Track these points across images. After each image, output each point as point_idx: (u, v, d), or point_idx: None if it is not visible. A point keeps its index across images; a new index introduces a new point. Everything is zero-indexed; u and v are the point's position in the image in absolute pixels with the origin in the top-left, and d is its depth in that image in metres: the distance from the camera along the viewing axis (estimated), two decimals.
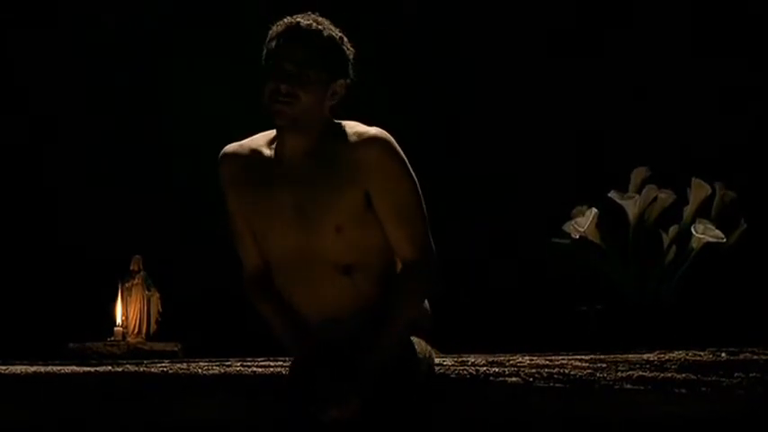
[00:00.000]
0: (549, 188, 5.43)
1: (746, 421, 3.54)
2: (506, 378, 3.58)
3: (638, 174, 4.80)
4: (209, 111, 5.74)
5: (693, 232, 4.58)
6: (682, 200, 4.75)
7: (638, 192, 4.73)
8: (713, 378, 3.57)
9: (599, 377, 3.58)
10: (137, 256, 5.35)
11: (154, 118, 5.76)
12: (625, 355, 3.66)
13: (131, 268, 5.35)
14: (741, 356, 3.61)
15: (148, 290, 5.30)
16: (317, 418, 2.93)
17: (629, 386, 3.56)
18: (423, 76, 5.51)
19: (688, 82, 5.49)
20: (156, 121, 5.76)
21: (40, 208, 5.80)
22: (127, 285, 5.31)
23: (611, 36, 5.55)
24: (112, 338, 5.20)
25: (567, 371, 3.59)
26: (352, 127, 3.03)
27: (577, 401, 3.56)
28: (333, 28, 3.02)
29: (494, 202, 5.48)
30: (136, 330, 5.25)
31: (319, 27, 2.99)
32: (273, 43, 2.99)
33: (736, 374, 3.56)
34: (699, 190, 4.72)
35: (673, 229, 4.68)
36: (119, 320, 5.25)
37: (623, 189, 4.76)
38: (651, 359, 3.63)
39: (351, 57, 3.04)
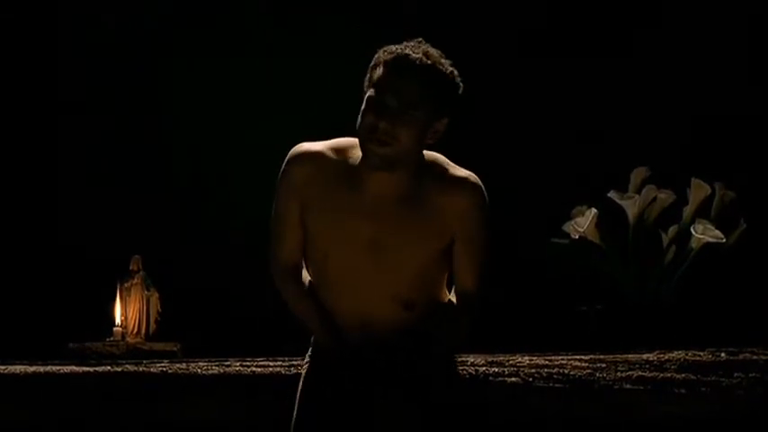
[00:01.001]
0: (549, 188, 5.42)
1: (746, 421, 3.54)
2: (506, 378, 3.58)
3: (638, 174, 4.80)
4: (209, 111, 5.73)
5: (693, 232, 4.58)
6: (681, 200, 4.75)
7: (638, 192, 4.73)
8: (713, 378, 3.56)
9: (598, 377, 3.58)
10: (136, 255, 5.35)
11: (154, 118, 5.75)
12: (625, 356, 3.66)
13: (131, 268, 5.34)
14: (740, 357, 3.61)
15: (148, 290, 5.30)
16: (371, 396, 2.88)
17: (628, 386, 3.56)
18: None
19: (687, 82, 5.48)
20: (155, 121, 5.75)
21: (40, 208, 5.79)
22: (126, 285, 5.31)
23: (612, 36, 5.55)
24: (112, 338, 5.19)
25: (566, 371, 3.59)
26: (444, 167, 2.90)
27: (577, 401, 3.56)
28: (443, 62, 2.83)
29: (493, 201, 5.47)
30: (135, 330, 5.25)
31: (429, 62, 2.78)
32: (378, 71, 2.77)
33: (735, 375, 3.56)
34: (698, 190, 4.72)
35: (672, 230, 4.68)
36: (118, 320, 5.25)
37: (623, 189, 4.76)
38: (651, 359, 3.63)
39: (460, 92, 2.86)
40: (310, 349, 3.09)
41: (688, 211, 4.72)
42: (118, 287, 5.30)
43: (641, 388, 3.55)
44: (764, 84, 5.41)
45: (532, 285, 5.39)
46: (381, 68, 2.77)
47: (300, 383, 3.05)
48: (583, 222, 4.65)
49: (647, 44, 5.54)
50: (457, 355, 3.14)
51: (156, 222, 5.70)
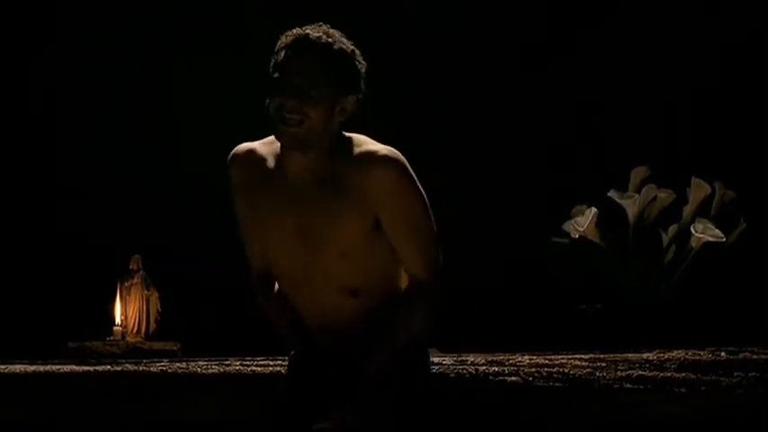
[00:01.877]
0: (549, 187, 5.43)
1: (746, 421, 3.54)
2: (506, 377, 3.58)
3: (638, 173, 4.80)
4: (209, 111, 5.74)
5: (693, 232, 4.58)
6: (681, 199, 4.75)
7: (638, 191, 4.73)
8: (713, 377, 3.57)
9: (598, 376, 3.58)
10: (136, 255, 5.35)
11: (154, 119, 5.76)
12: (625, 355, 3.67)
13: (131, 267, 5.35)
14: (740, 356, 3.61)
15: (147, 289, 5.31)
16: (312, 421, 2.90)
17: (628, 385, 3.56)
18: (423, 76, 5.51)
19: (687, 83, 5.49)
20: (156, 123, 5.76)
21: (41, 208, 5.80)
22: (126, 285, 5.31)
23: (611, 36, 5.55)
24: (112, 338, 5.20)
25: (566, 370, 3.59)
26: (362, 145, 2.87)
27: (577, 401, 3.56)
28: (344, 41, 2.82)
29: (493, 201, 5.48)
30: (135, 329, 5.25)
31: (329, 40, 2.80)
32: (281, 55, 2.80)
33: (735, 374, 3.56)
34: (698, 189, 4.72)
35: (672, 229, 4.68)
36: (118, 320, 5.25)
37: (623, 188, 4.77)
38: (651, 358, 3.63)
39: (363, 71, 2.84)
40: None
41: (688, 210, 4.72)
42: (118, 287, 5.31)
43: (641, 387, 3.56)
44: (763, 83, 5.41)
45: (532, 284, 5.40)
46: (283, 51, 2.81)
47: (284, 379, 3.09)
48: (583, 222, 4.65)
49: (647, 44, 5.55)
50: (424, 347, 3.09)
51: (156, 222, 5.71)
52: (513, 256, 5.38)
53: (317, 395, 2.92)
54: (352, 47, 2.84)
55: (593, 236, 4.67)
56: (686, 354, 3.64)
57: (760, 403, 3.52)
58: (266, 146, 2.94)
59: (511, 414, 3.57)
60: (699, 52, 5.49)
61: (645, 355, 3.65)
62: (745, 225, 4.73)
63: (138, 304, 5.28)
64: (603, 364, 3.62)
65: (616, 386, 3.57)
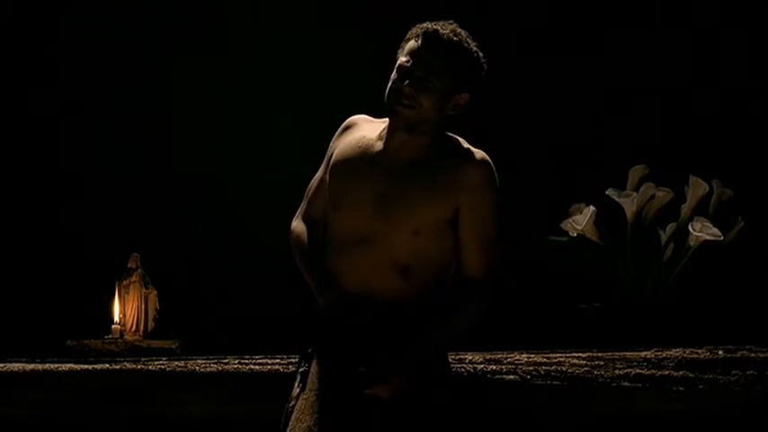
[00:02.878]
0: (548, 186, 5.43)
1: (744, 418, 3.54)
2: (504, 376, 3.58)
3: (636, 172, 4.80)
4: (210, 110, 5.74)
5: (691, 230, 4.58)
6: (679, 198, 4.75)
7: (636, 190, 4.73)
8: (710, 376, 3.57)
9: (596, 375, 3.58)
10: (134, 253, 5.35)
11: (153, 117, 5.76)
12: (623, 353, 3.67)
13: (129, 266, 5.35)
14: (738, 354, 3.61)
15: (146, 287, 5.31)
16: (359, 388, 2.91)
17: (626, 384, 3.56)
18: None
19: (686, 81, 5.49)
20: (155, 121, 5.76)
21: (39, 206, 5.80)
22: (124, 283, 5.31)
23: (610, 35, 5.55)
24: (110, 336, 5.20)
25: (564, 368, 3.59)
26: (460, 143, 3.05)
27: (575, 399, 3.56)
28: (470, 41, 3.01)
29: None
30: (134, 328, 5.25)
31: (456, 39, 2.98)
32: (409, 44, 2.98)
33: (733, 372, 3.57)
34: (696, 188, 4.73)
35: (670, 227, 4.68)
36: (116, 318, 5.25)
37: (621, 187, 4.77)
38: (648, 357, 3.63)
39: (482, 73, 3.04)
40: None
41: (686, 208, 4.72)
42: (116, 285, 5.31)
43: (639, 385, 3.56)
44: (762, 82, 5.41)
45: (531, 283, 5.40)
46: (412, 41, 2.97)
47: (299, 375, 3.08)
48: (581, 220, 4.66)
49: (646, 42, 5.55)
50: (452, 347, 3.12)
51: (154, 220, 5.71)
52: (510, 255, 5.38)
53: (351, 346, 2.93)
54: (476, 48, 3.02)
55: (592, 234, 4.67)
56: (684, 352, 3.64)
57: (758, 401, 3.52)
58: (374, 120, 3.12)
59: (509, 411, 3.57)
60: (697, 50, 5.49)
61: (643, 354, 3.65)
62: (742, 223, 4.74)
63: (136, 302, 5.28)
64: (602, 363, 3.62)
65: (614, 384, 3.57)
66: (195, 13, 5.76)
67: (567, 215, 4.74)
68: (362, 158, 3.03)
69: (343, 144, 3.09)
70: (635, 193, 4.71)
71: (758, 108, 5.38)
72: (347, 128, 3.12)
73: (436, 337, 2.98)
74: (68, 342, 5.01)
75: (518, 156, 5.54)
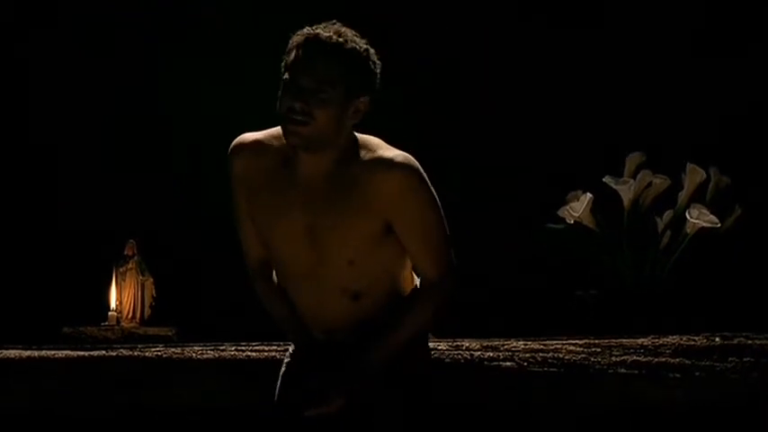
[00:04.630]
0: (544, 173, 5.42)
1: (741, 406, 3.54)
2: (501, 363, 3.58)
3: (633, 159, 4.80)
4: (207, 95, 5.73)
5: (688, 217, 4.58)
6: (676, 185, 4.75)
7: (633, 177, 4.73)
8: (707, 363, 3.57)
9: (593, 361, 3.58)
10: (131, 240, 5.35)
11: (150, 102, 5.75)
12: (619, 340, 3.67)
13: (126, 253, 5.34)
14: (735, 341, 3.61)
15: (142, 275, 5.30)
16: (303, 410, 2.90)
17: (623, 371, 3.56)
18: (419, 60, 5.49)
19: (684, 66, 5.48)
20: (152, 106, 5.75)
21: (36, 193, 5.79)
22: (121, 270, 5.31)
23: (607, 19, 5.54)
24: (107, 323, 5.20)
25: (561, 355, 3.59)
26: (375, 150, 2.83)
27: (572, 386, 3.56)
28: (357, 40, 2.80)
29: (488, 186, 5.48)
30: (130, 315, 5.25)
31: (341, 39, 2.77)
32: (291, 55, 2.79)
33: (730, 359, 3.57)
34: (693, 175, 4.72)
35: (667, 215, 4.68)
36: (113, 305, 5.25)
37: (618, 174, 4.76)
38: (645, 344, 3.63)
39: (377, 71, 2.82)
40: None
41: (683, 196, 4.72)
42: (113, 272, 5.31)
43: (636, 372, 3.56)
44: (759, 69, 5.41)
45: (527, 270, 5.40)
46: (294, 51, 2.78)
47: (281, 373, 3.08)
48: (578, 207, 4.65)
49: (643, 28, 5.54)
50: (424, 344, 3.11)
51: (151, 207, 5.70)
52: (507, 242, 5.38)
53: (313, 385, 2.92)
54: (365, 46, 2.80)
55: (589, 221, 4.67)
56: (681, 339, 3.64)
57: (754, 388, 3.52)
58: (274, 139, 2.89)
59: (505, 399, 3.57)
60: (693, 37, 5.48)
61: (640, 341, 3.65)
62: (740, 211, 4.74)
63: (132, 290, 5.28)
64: (598, 350, 3.62)
65: (611, 371, 3.57)
66: (195, 12, 5.75)
67: (564, 202, 4.74)
68: (277, 191, 2.84)
69: (248, 180, 2.88)
70: (632, 181, 4.70)
71: (757, 93, 5.38)
72: (241, 155, 2.89)
73: (384, 347, 2.90)
74: (65, 329, 5.01)
75: (514, 142, 5.54)
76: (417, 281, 3.01)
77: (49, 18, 5.77)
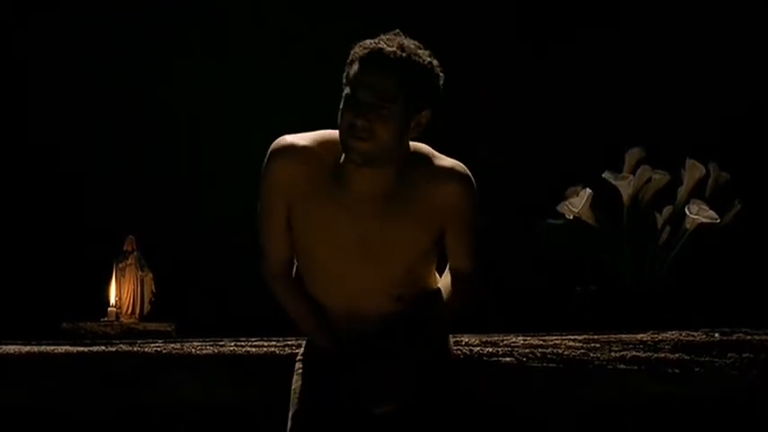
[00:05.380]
0: (543, 168, 5.42)
1: (740, 401, 3.54)
2: (500, 358, 3.58)
3: (633, 155, 4.80)
4: (208, 91, 5.72)
5: (687, 213, 4.58)
6: (676, 180, 4.75)
7: (633, 172, 4.73)
8: (706, 358, 3.57)
9: (592, 357, 3.58)
10: (130, 236, 5.35)
11: (151, 98, 5.75)
12: (618, 335, 3.67)
13: (125, 248, 5.34)
14: (734, 337, 3.61)
15: (142, 270, 5.30)
16: (366, 409, 2.84)
17: (622, 366, 3.56)
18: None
19: (683, 62, 5.48)
20: (152, 101, 5.74)
21: (35, 189, 5.79)
22: (120, 266, 5.31)
23: (607, 17, 5.54)
24: (106, 318, 5.20)
25: (560, 351, 3.59)
26: (430, 160, 2.81)
27: (571, 381, 3.56)
28: (420, 53, 2.73)
29: (487, 182, 5.47)
30: (129, 310, 5.25)
31: (404, 54, 2.69)
32: (353, 68, 2.70)
33: (729, 355, 3.57)
34: (693, 171, 4.73)
35: (667, 210, 4.68)
36: (112, 300, 5.25)
37: (618, 170, 4.77)
38: (644, 339, 3.63)
39: (440, 84, 2.77)
40: (303, 348, 3.09)
41: (682, 191, 4.72)
42: (113, 267, 5.31)
43: (635, 368, 3.56)
44: (759, 64, 5.41)
45: (527, 266, 5.40)
46: (356, 65, 2.70)
47: (295, 381, 3.04)
48: (577, 203, 4.65)
49: (642, 23, 5.54)
50: (450, 338, 3.14)
51: (150, 203, 5.70)
52: (506, 237, 5.38)
53: (373, 395, 2.85)
54: (429, 59, 2.74)
55: (588, 217, 4.67)
56: (680, 334, 3.64)
57: (753, 384, 3.52)
58: (320, 146, 2.80)
59: (505, 394, 3.57)
60: (693, 32, 5.48)
61: (639, 336, 3.65)
62: (739, 206, 4.74)
63: (132, 285, 5.28)
64: (598, 345, 3.62)
65: (610, 367, 3.57)
66: (196, 11, 5.75)
67: (564, 198, 4.74)
68: (325, 203, 2.77)
69: (292, 187, 2.79)
70: (632, 176, 4.70)
71: (757, 90, 5.38)
72: (290, 157, 2.78)
73: (431, 339, 2.91)
74: (64, 324, 5.00)
75: (514, 137, 5.54)
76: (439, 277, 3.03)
77: (49, 17, 5.77)
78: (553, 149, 5.49)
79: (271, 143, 2.87)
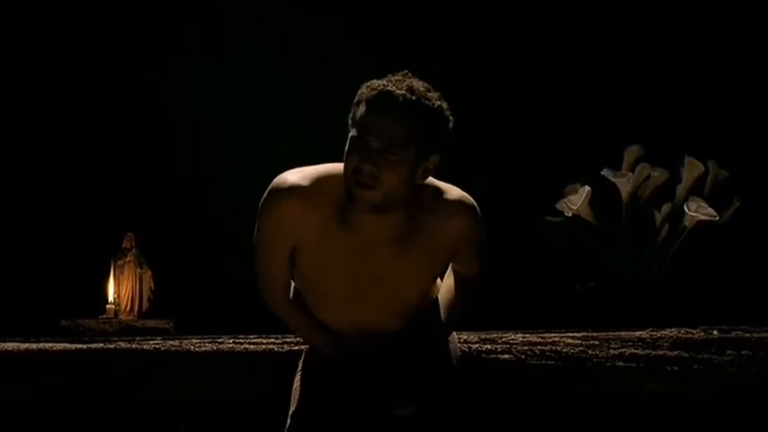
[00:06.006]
0: (542, 166, 5.42)
1: (738, 399, 3.55)
2: (499, 355, 3.58)
3: (632, 152, 4.80)
4: (207, 89, 5.72)
5: (686, 210, 4.58)
6: (675, 178, 4.75)
7: (632, 170, 4.73)
8: (705, 356, 3.57)
9: (591, 354, 3.59)
10: (129, 233, 5.34)
11: (150, 95, 5.74)
12: (617, 333, 3.67)
13: (124, 246, 5.34)
14: (733, 334, 3.61)
15: (140, 267, 5.30)
16: (386, 411, 2.82)
17: (621, 363, 3.57)
18: (418, 50, 5.48)
19: (682, 60, 5.48)
20: (151, 99, 5.74)
21: (34, 186, 5.79)
22: (119, 263, 5.30)
23: (606, 15, 5.54)
24: (105, 316, 5.20)
25: (559, 348, 3.59)
26: (436, 194, 2.76)
27: (570, 379, 3.56)
28: (430, 95, 2.64)
29: (486, 179, 5.47)
30: (128, 308, 5.25)
31: (413, 98, 2.59)
32: (360, 110, 2.61)
33: (728, 352, 3.57)
34: (692, 168, 4.72)
35: (666, 207, 4.68)
36: (111, 298, 5.25)
37: (616, 167, 4.76)
38: (643, 337, 3.63)
39: (449, 127, 2.69)
40: (303, 357, 3.09)
41: (681, 189, 4.72)
42: (111, 265, 5.30)
43: (634, 365, 3.56)
44: (758, 62, 5.41)
45: (526, 263, 5.40)
46: (364, 106, 2.61)
47: (296, 380, 3.04)
48: (576, 200, 4.65)
49: (641, 21, 5.54)
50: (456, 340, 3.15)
51: (149, 200, 5.70)
52: (506, 234, 5.38)
53: (395, 398, 2.83)
54: (438, 102, 2.65)
55: (587, 214, 4.67)
56: (679, 332, 3.64)
57: (752, 381, 3.52)
58: (324, 185, 2.72)
59: (504, 391, 3.57)
60: (691, 30, 5.48)
61: (638, 334, 3.65)
62: (738, 204, 4.74)
63: (130, 282, 5.28)
64: (596, 343, 3.62)
65: (609, 364, 3.57)
66: (196, 12, 5.75)
67: (563, 195, 4.74)
68: (332, 245, 2.71)
69: (296, 229, 2.71)
70: (630, 174, 4.70)
71: (756, 87, 5.38)
72: (293, 198, 2.69)
73: (442, 338, 2.95)
74: (63, 322, 5.00)
75: (513, 134, 5.54)
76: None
77: (49, 17, 5.76)
78: (552, 147, 5.49)
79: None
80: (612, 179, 4.69)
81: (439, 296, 2.97)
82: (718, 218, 4.56)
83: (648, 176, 4.71)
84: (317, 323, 2.92)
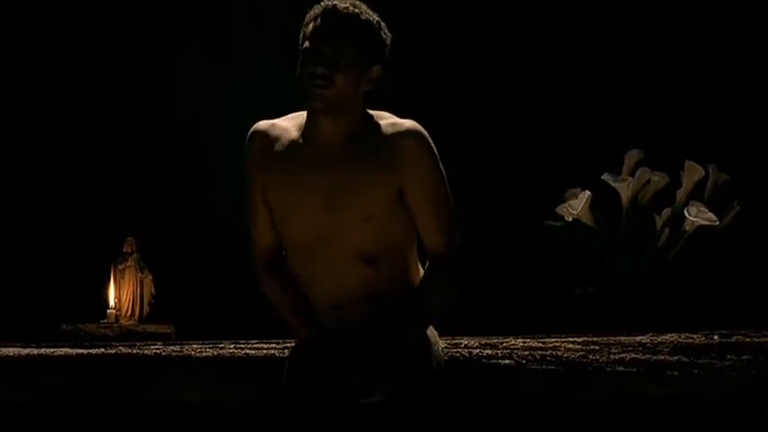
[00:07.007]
0: (543, 170, 5.42)
1: (739, 404, 3.55)
2: (499, 360, 3.58)
3: (632, 156, 4.80)
4: (207, 93, 5.72)
5: (686, 215, 4.58)
6: (675, 182, 4.75)
7: (632, 174, 4.73)
8: (705, 361, 3.57)
9: (592, 359, 3.59)
10: (130, 238, 5.35)
11: (150, 99, 5.75)
12: (618, 338, 3.67)
13: (124, 250, 5.34)
14: (733, 339, 3.61)
15: (141, 272, 5.30)
16: (355, 400, 2.89)
17: (621, 368, 3.57)
18: (418, 53, 5.49)
19: (683, 64, 5.49)
20: (151, 102, 5.74)
21: (34, 189, 5.79)
22: (120, 267, 5.31)
23: (606, 17, 5.55)
24: (105, 320, 5.20)
25: (559, 353, 3.60)
26: (387, 118, 3.03)
27: (570, 384, 3.56)
28: (370, 12, 3.00)
29: (487, 184, 5.48)
30: (129, 312, 5.25)
31: (356, 11, 2.97)
32: (310, 26, 2.96)
33: (728, 357, 3.57)
34: (692, 172, 4.73)
35: (666, 212, 4.69)
36: (112, 303, 5.25)
37: (617, 172, 4.77)
38: (644, 341, 3.64)
39: (388, 42, 3.01)
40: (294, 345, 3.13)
41: (681, 193, 4.72)
42: (112, 269, 5.31)
43: (634, 370, 3.56)
44: (758, 66, 5.41)
45: (526, 268, 5.40)
46: (312, 22, 2.95)
47: (287, 368, 3.08)
48: (576, 205, 4.66)
49: (642, 24, 5.54)
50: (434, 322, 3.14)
51: (149, 204, 5.70)
52: (506, 239, 5.38)
53: (365, 372, 2.93)
54: (378, 18, 3.00)
55: (587, 219, 4.67)
56: (679, 337, 3.64)
57: (753, 386, 3.52)
58: (289, 120, 3.07)
59: (504, 397, 3.57)
60: (692, 33, 5.48)
61: (638, 339, 3.66)
62: (738, 208, 4.74)
63: (131, 287, 5.28)
64: (597, 347, 3.62)
65: (609, 369, 3.57)
66: (197, 11, 5.75)
67: (563, 200, 4.74)
68: (294, 160, 3.00)
69: (264, 158, 3.05)
70: (630, 178, 4.71)
71: (756, 92, 5.38)
72: (258, 137, 3.07)
73: (417, 326, 2.98)
74: (64, 326, 5.00)
75: (514, 139, 5.54)
76: (422, 271, 3.05)
77: (49, 17, 5.77)
78: (552, 151, 5.49)
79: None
80: (613, 184, 4.70)
81: (416, 288, 3.03)
82: (718, 222, 4.57)
83: (649, 181, 4.72)
84: (300, 303, 3.05)
